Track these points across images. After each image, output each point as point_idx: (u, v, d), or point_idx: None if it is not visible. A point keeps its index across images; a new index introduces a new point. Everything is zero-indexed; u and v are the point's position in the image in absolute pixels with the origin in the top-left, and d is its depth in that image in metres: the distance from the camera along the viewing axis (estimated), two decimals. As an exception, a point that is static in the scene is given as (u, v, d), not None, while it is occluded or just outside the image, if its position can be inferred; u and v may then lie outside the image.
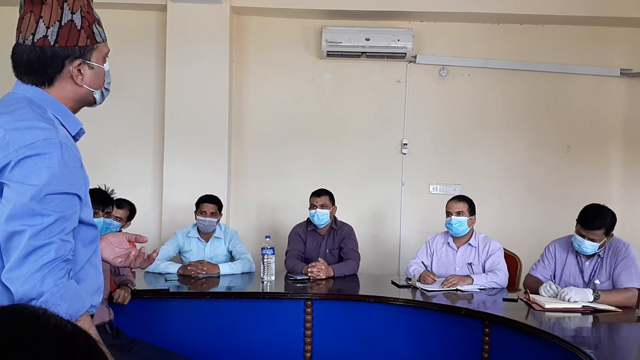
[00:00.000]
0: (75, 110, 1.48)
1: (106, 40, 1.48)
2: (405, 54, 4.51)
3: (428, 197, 4.75)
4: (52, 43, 1.37)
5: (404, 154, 4.72)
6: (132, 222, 3.63)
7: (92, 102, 1.51)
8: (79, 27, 1.39)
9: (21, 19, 1.40)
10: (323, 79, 4.75)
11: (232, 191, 4.66)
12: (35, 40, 1.37)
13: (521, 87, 4.74)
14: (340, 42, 4.44)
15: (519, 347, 2.67)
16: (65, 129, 1.40)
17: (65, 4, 1.38)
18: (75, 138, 1.48)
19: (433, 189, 4.75)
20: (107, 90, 1.52)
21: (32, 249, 1.26)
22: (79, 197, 1.36)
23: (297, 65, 4.71)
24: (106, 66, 1.48)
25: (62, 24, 1.38)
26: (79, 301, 1.34)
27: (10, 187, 1.27)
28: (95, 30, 1.43)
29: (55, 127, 1.34)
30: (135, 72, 4.55)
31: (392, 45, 4.44)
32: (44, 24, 1.37)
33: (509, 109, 4.75)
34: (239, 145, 4.71)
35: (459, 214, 3.47)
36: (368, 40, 4.42)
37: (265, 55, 4.72)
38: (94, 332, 1.31)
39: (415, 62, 4.68)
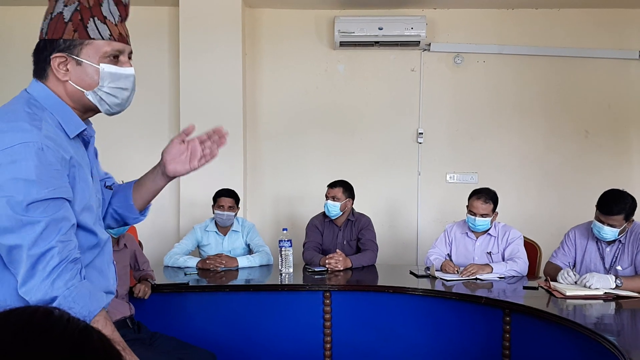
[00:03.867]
0: (82, 112, 1.42)
1: (118, 40, 1.37)
2: (419, 42, 4.47)
3: (445, 186, 4.72)
4: (44, 35, 1.36)
5: (420, 143, 4.69)
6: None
7: (91, 105, 1.40)
8: (66, 20, 1.33)
9: None
10: (336, 70, 4.73)
11: (248, 184, 4.67)
12: (39, 36, 1.38)
13: (537, 73, 4.68)
14: (353, 32, 4.42)
15: (540, 335, 2.65)
16: (64, 130, 1.35)
17: None
18: (85, 140, 1.44)
19: (450, 177, 4.72)
20: (111, 95, 1.40)
21: (35, 259, 1.24)
22: (67, 200, 1.31)
23: (310, 57, 4.70)
24: (106, 67, 1.36)
25: (53, 15, 1.34)
26: (94, 301, 1.32)
27: None
28: (90, 25, 1.34)
29: (39, 128, 1.27)
30: (149, 68, 4.56)
31: (405, 33, 4.41)
32: (43, 19, 1.37)
33: (525, 95, 4.70)
34: (253, 138, 4.71)
35: (483, 216, 3.43)
36: (381, 29, 4.39)
37: (278, 47, 4.71)
38: (108, 331, 1.31)
39: (429, 50, 4.64)
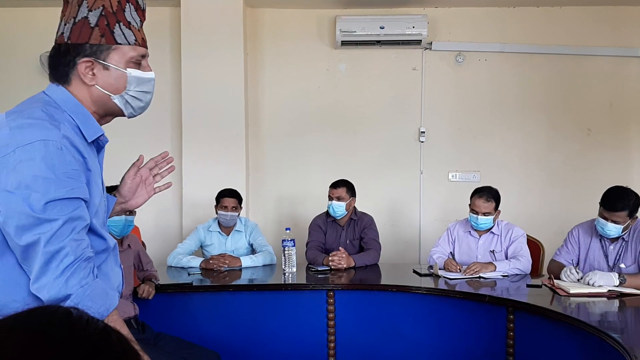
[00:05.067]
0: (101, 117, 1.44)
1: (141, 45, 1.41)
2: (421, 40, 4.47)
3: (447, 185, 4.72)
4: (66, 39, 1.36)
5: (422, 142, 4.69)
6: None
7: (115, 109, 1.43)
8: (92, 25, 1.35)
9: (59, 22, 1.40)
10: (338, 69, 4.73)
11: (251, 184, 4.67)
12: (56, 38, 1.38)
13: (539, 71, 4.68)
14: (355, 31, 4.42)
15: (544, 333, 2.65)
16: (82, 134, 1.36)
17: (84, 2, 1.36)
18: (99, 145, 1.45)
19: (452, 176, 4.72)
20: (136, 99, 1.43)
21: (49, 256, 1.24)
22: (84, 200, 1.32)
23: (312, 56, 4.70)
24: (133, 72, 1.40)
25: (76, 20, 1.35)
26: (107, 299, 1.34)
27: (7, 197, 1.23)
28: (117, 31, 1.37)
29: (58, 128, 1.28)
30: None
31: (407, 32, 4.41)
32: (63, 22, 1.37)
33: (527, 93, 4.70)
34: (255, 138, 4.72)
35: (485, 214, 3.42)
36: (382, 28, 4.39)
37: (279, 47, 4.71)
38: (126, 331, 1.32)
39: (430, 48, 4.64)
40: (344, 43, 4.52)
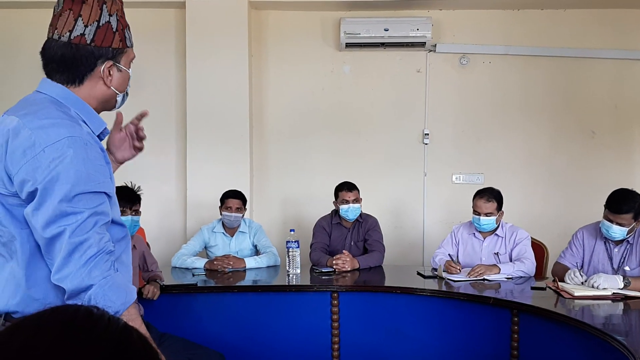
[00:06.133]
0: (97, 112, 1.50)
1: (133, 46, 1.52)
2: (425, 43, 4.48)
3: (451, 186, 4.72)
4: (88, 41, 1.40)
5: (426, 144, 4.69)
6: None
7: (112, 106, 1.53)
8: (114, 29, 1.43)
9: (58, 16, 1.41)
10: (342, 71, 4.74)
11: (255, 185, 4.68)
12: (72, 37, 1.39)
13: (543, 73, 4.68)
14: (359, 34, 4.43)
15: (548, 336, 2.65)
16: (89, 127, 1.42)
17: (104, 6, 1.41)
18: (100, 138, 1.49)
19: (456, 178, 4.73)
20: (127, 94, 1.56)
21: (73, 246, 1.28)
22: (107, 195, 1.38)
23: (316, 58, 4.71)
24: (130, 71, 1.52)
25: (100, 24, 1.40)
26: (127, 293, 1.37)
27: (40, 192, 1.28)
28: (126, 35, 1.47)
29: (80, 125, 1.35)
30: (155, 70, 4.58)
31: (411, 34, 4.41)
32: (83, 23, 1.39)
33: (531, 95, 4.70)
34: (260, 140, 4.72)
35: (487, 215, 3.42)
36: (387, 30, 4.40)
37: (284, 48, 4.72)
38: (144, 329, 1.33)
39: (435, 51, 4.65)
40: (348, 45, 4.53)
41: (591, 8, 4.59)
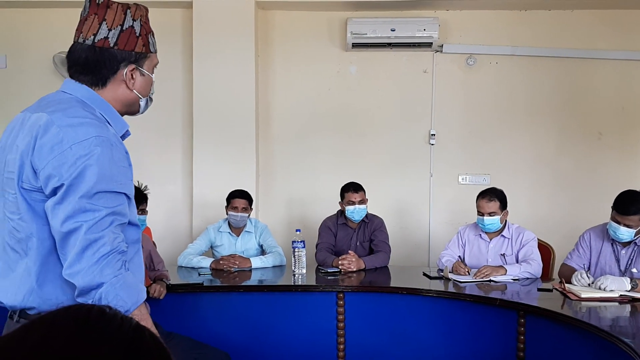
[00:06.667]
0: (120, 115, 1.53)
1: (157, 52, 1.55)
2: (432, 43, 4.47)
3: (457, 187, 4.72)
4: (111, 45, 1.43)
5: (432, 144, 4.69)
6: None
7: (136, 110, 1.57)
8: (137, 34, 1.46)
9: (84, 21, 1.45)
10: (348, 71, 4.74)
11: (261, 185, 4.69)
12: (95, 41, 1.43)
13: (550, 74, 4.67)
14: (366, 34, 4.43)
15: (554, 337, 2.65)
16: (113, 129, 1.45)
17: (128, 11, 1.45)
18: (122, 139, 1.51)
19: (462, 179, 4.72)
20: (151, 100, 1.59)
21: (87, 243, 1.30)
22: (127, 197, 1.40)
23: (323, 58, 4.71)
24: (153, 76, 1.56)
25: (124, 28, 1.44)
26: (138, 292, 1.40)
27: (65, 188, 1.31)
28: (150, 40, 1.52)
29: (106, 125, 1.39)
30: (162, 70, 4.49)
31: (417, 35, 4.41)
32: (107, 26, 1.43)
33: (537, 96, 4.68)
34: (266, 140, 4.73)
35: (491, 214, 3.42)
36: (393, 30, 4.40)
37: (290, 49, 4.72)
38: (154, 329, 1.35)
39: (441, 51, 4.64)
40: (355, 45, 4.52)
41: (598, 9, 4.57)
